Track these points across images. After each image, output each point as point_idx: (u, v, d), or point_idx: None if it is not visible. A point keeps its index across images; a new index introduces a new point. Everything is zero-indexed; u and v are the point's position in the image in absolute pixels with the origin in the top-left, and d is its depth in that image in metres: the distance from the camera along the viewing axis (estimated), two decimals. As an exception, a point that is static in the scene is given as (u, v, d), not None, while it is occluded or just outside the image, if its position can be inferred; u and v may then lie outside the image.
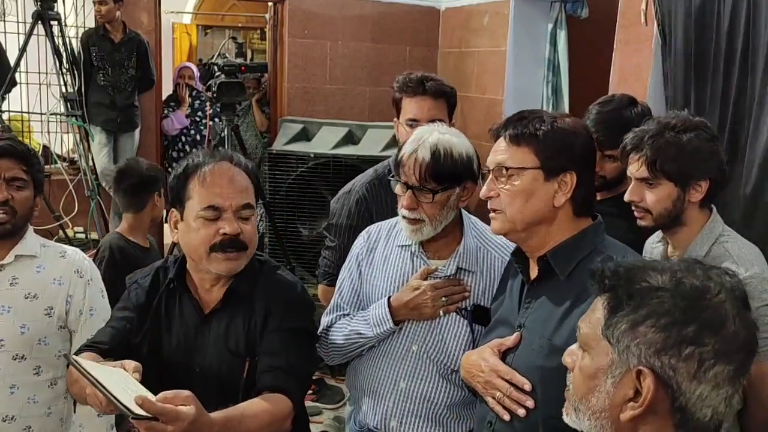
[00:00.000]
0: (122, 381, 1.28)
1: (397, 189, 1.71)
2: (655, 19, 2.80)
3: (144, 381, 1.53)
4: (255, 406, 1.41)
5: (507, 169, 1.39)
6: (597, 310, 0.96)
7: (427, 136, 1.66)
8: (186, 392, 1.24)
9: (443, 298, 1.68)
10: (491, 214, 1.44)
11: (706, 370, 0.87)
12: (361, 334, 1.73)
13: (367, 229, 1.88)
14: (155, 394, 1.56)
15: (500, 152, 1.41)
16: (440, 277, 1.70)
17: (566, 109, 4.15)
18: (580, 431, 1.01)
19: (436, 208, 1.65)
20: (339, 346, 1.78)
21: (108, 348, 1.54)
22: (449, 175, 1.64)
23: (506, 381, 1.37)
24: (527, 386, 1.33)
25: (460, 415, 1.74)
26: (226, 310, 1.57)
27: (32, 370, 1.80)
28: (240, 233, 1.50)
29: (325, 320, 1.84)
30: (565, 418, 1.03)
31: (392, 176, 1.74)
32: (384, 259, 1.79)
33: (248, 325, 1.55)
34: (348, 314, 1.81)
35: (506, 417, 1.36)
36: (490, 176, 1.43)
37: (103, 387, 1.19)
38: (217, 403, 1.53)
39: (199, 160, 1.54)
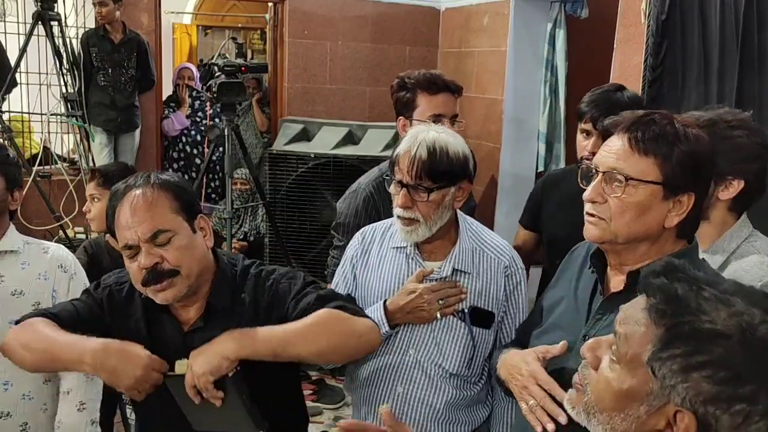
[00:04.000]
0: None
1: (392, 188, 1.69)
2: (646, 17, 2.80)
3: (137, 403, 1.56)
4: (323, 311, 1.42)
5: (626, 178, 1.23)
6: (642, 326, 0.88)
7: (423, 135, 1.64)
8: None
9: (440, 301, 1.66)
10: (588, 219, 1.30)
11: (748, 425, 0.82)
12: None
13: (361, 230, 1.87)
14: (148, 416, 1.64)
15: (618, 155, 1.24)
16: (436, 279, 1.69)
17: (563, 109, 4.16)
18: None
19: (431, 207, 1.64)
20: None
21: (60, 324, 1.48)
22: (445, 173, 1.63)
23: (544, 390, 1.28)
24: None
25: (459, 419, 1.74)
26: (207, 328, 1.49)
27: None
28: (158, 262, 1.41)
29: None
30: (569, 409, 0.99)
31: (387, 175, 1.73)
32: (379, 261, 1.78)
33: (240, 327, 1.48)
34: None
35: (539, 429, 1.27)
36: (599, 178, 1.27)
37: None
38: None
39: (118, 192, 1.48)
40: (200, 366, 1.32)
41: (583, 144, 2.16)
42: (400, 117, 2.22)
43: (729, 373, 0.81)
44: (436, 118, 2.11)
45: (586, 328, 1.33)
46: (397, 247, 1.76)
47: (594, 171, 1.29)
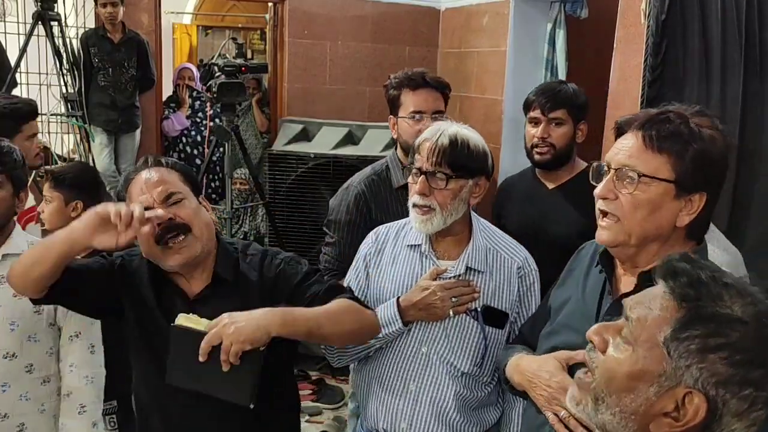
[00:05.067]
0: None
1: (410, 177, 1.71)
2: (646, 17, 2.80)
3: (142, 371, 1.67)
4: (331, 303, 1.53)
5: (639, 175, 1.23)
6: (658, 309, 0.91)
7: (446, 127, 1.69)
8: None
9: (453, 299, 1.67)
10: (601, 222, 1.30)
11: (752, 412, 0.86)
12: None
13: (375, 229, 1.88)
14: (152, 385, 1.66)
15: (631, 152, 1.25)
16: (449, 278, 1.70)
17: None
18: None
19: (448, 196, 1.66)
20: (346, 347, 1.77)
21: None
22: (464, 164, 1.66)
23: None
24: None
25: (469, 420, 1.74)
26: (213, 297, 1.61)
27: (24, 368, 1.80)
28: (172, 217, 1.54)
29: None
30: (571, 406, 1.00)
31: (409, 164, 1.74)
32: (393, 259, 1.79)
33: (243, 302, 1.56)
34: None
35: None
36: (611, 175, 1.27)
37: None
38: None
39: (130, 174, 1.64)
40: (242, 334, 1.33)
41: (532, 132, 2.29)
42: (391, 116, 2.27)
43: (744, 356, 0.84)
44: (418, 114, 2.16)
45: None
46: (412, 245, 1.77)
47: (606, 168, 1.28)
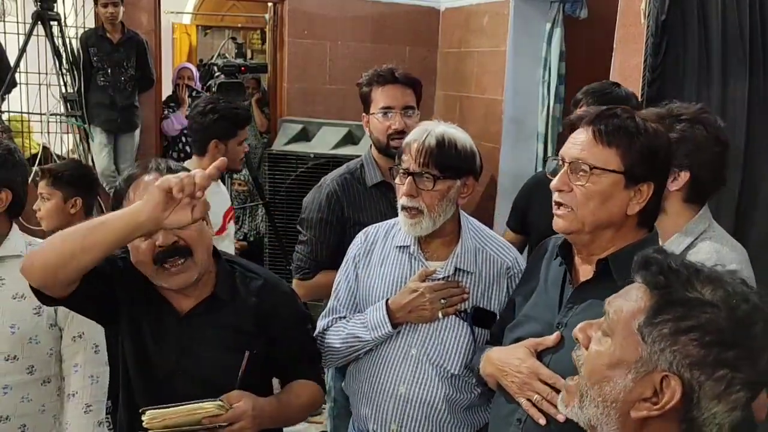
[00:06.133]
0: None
1: (397, 179, 1.70)
2: (645, 17, 2.80)
3: (127, 387, 1.63)
4: (300, 388, 1.65)
5: (591, 167, 1.30)
6: (633, 300, 0.94)
7: (433, 127, 1.67)
8: (234, 392, 1.46)
9: (442, 300, 1.67)
10: (557, 211, 1.37)
11: (729, 393, 0.87)
12: (358, 337, 1.73)
13: (364, 230, 1.87)
14: (139, 398, 1.61)
15: (583, 146, 1.32)
16: (438, 279, 1.70)
17: (554, 107, 4.15)
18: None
19: (436, 197, 1.65)
20: (336, 350, 1.77)
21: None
22: (452, 164, 1.65)
23: (547, 385, 1.33)
24: None
25: (461, 420, 1.73)
26: (206, 315, 1.56)
27: (25, 370, 1.80)
28: (177, 240, 1.45)
29: (321, 323, 1.83)
30: (562, 409, 1.02)
31: (396, 165, 1.73)
32: (381, 260, 1.78)
33: (237, 323, 1.58)
34: (345, 317, 1.80)
35: (542, 421, 1.32)
36: (565, 168, 1.34)
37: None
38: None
39: (134, 172, 1.53)
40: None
41: None
42: (363, 114, 2.27)
43: (715, 337, 0.87)
44: (387, 110, 2.16)
45: (558, 317, 1.38)
46: (400, 247, 1.76)
47: (561, 162, 1.36)
